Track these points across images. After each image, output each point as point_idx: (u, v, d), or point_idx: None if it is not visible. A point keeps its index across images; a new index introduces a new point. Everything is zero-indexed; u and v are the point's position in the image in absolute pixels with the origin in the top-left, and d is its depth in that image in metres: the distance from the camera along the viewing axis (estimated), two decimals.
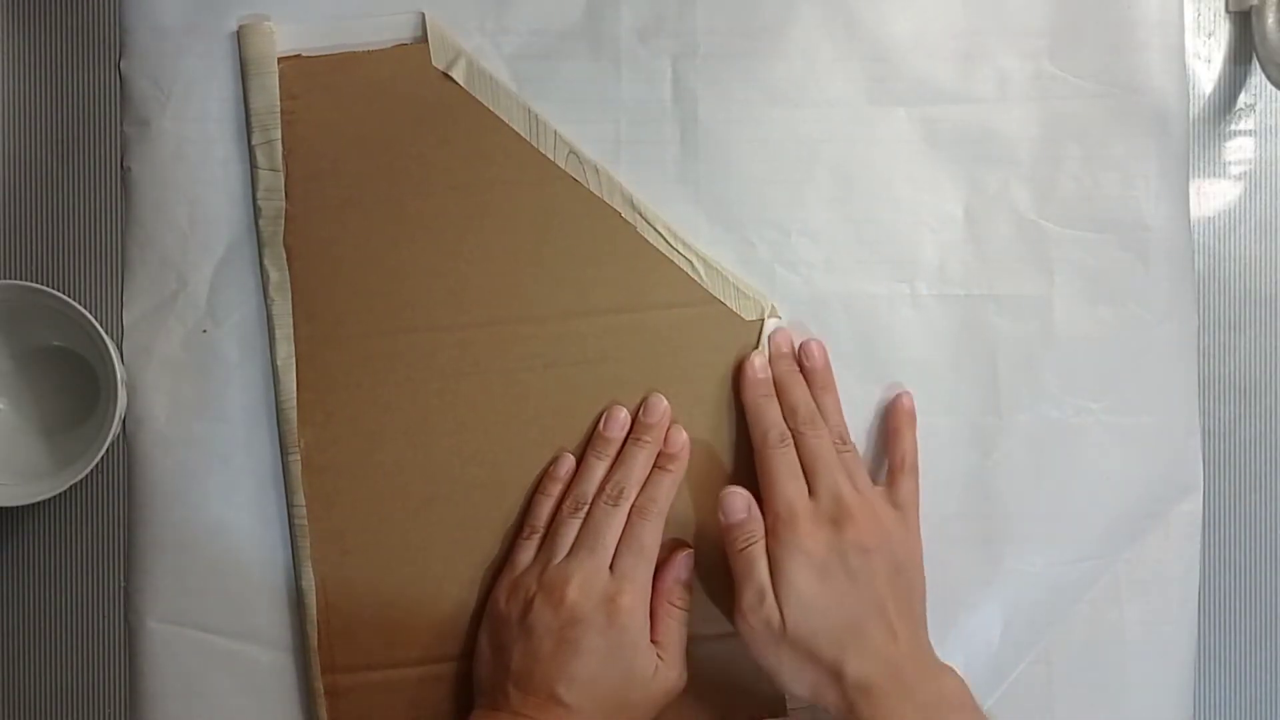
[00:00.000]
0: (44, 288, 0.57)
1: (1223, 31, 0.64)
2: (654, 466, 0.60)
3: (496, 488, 0.60)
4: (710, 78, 0.61)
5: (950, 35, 0.61)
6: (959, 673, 0.55)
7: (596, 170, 0.60)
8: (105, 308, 0.61)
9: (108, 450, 0.58)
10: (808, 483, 0.57)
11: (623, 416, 0.60)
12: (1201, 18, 0.64)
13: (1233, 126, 0.64)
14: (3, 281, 0.59)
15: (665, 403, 0.60)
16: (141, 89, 0.60)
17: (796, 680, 0.55)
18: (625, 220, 0.60)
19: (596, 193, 0.60)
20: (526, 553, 0.59)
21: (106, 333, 0.58)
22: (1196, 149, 0.63)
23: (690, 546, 0.60)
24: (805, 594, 0.54)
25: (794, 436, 0.58)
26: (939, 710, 0.53)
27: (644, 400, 0.60)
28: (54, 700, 0.62)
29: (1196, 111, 0.63)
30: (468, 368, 0.60)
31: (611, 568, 0.57)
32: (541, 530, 0.59)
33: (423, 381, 0.60)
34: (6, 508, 0.58)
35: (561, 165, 0.60)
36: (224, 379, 0.61)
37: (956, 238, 0.62)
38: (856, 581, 0.55)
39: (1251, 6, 0.62)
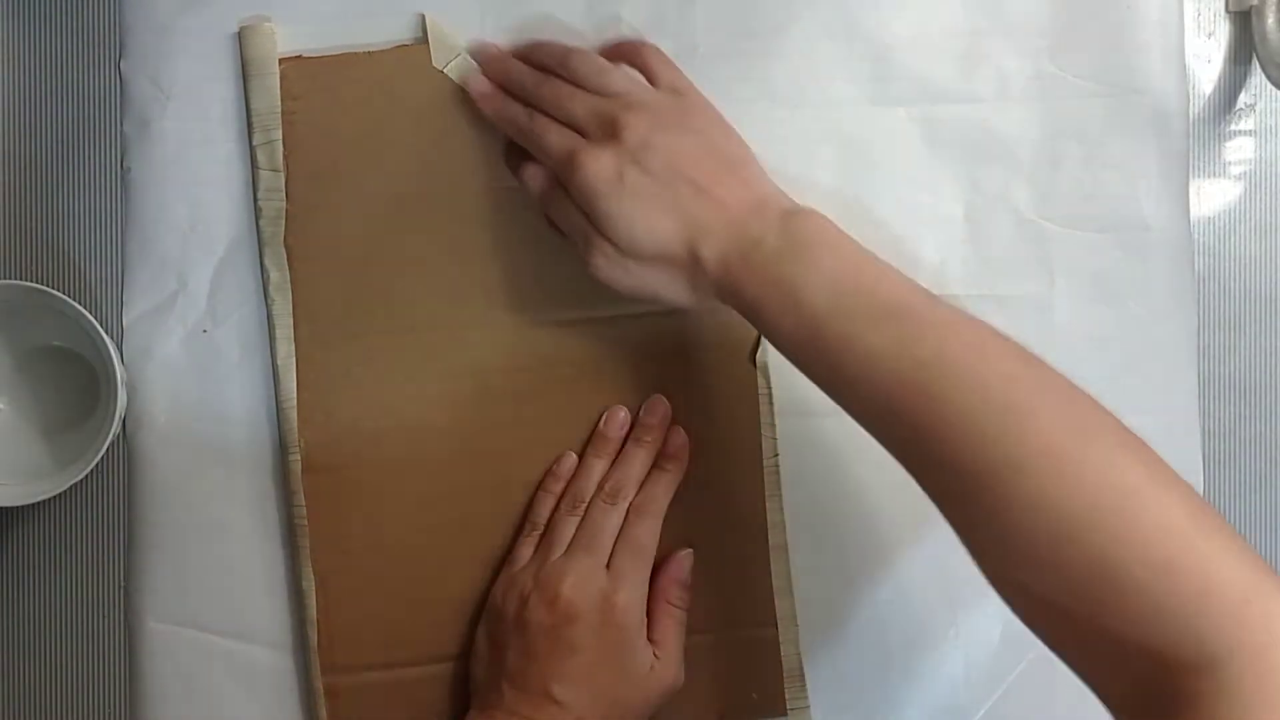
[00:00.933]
0: (44, 288, 0.57)
1: (1223, 31, 0.64)
2: (653, 466, 0.60)
3: (497, 488, 0.60)
4: (710, 77, 0.61)
5: (950, 35, 0.61)
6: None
7: None
8: (105, 308, 0.61)
9: (108, 450, 0.58)
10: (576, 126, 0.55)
11: (623, 416, 0.60)
12: (1201, 18, 0.64)
13: (1233, 126, 0.64)
14: (3, 281, 0.59)
15: (666, 404, 0.60)
16: (141, 89, 0.60)
17: (671, 289, 0.53)
18: None
19: None
20: (525, 550, 0.59)
21: (106, 332, 0.58)
22: (1196, 149, 0.63)
23: (689, 547, 0.60)
24: (617, 212, 0.52)
25: (545, 106, 0.56)
26: (788, 251, 0.50)
27: (645, 401, 0.60)
28: (54, 700, 0.62)
29: (1196, 111, 0.64)
30: (468, 368, 0.60)
31: (609, 567, 0.57)
32: (541, 528, 0.59)
33: (423, 382, 0.60)
34: (6, 508, 0.58)
35: None
36: (224, 379, 0.61)
37: (956, 237, 0.62)
38: (658, 173, 0.52)
39: (1251, 6, 0.62)
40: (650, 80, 0.57)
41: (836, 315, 0.48)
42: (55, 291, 0.57)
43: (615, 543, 0.58)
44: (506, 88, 0.58)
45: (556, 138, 0.54)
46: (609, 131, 0.53)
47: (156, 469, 0.60)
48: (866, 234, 0.61)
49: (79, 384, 0.61)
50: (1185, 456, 0.62)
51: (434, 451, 0.60)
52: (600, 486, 0.59)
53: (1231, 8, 0.63)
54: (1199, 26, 0.64)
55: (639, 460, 0.59)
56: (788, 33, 0.61)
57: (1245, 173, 0.64)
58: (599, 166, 0.52)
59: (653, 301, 0.54)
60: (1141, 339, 0.62)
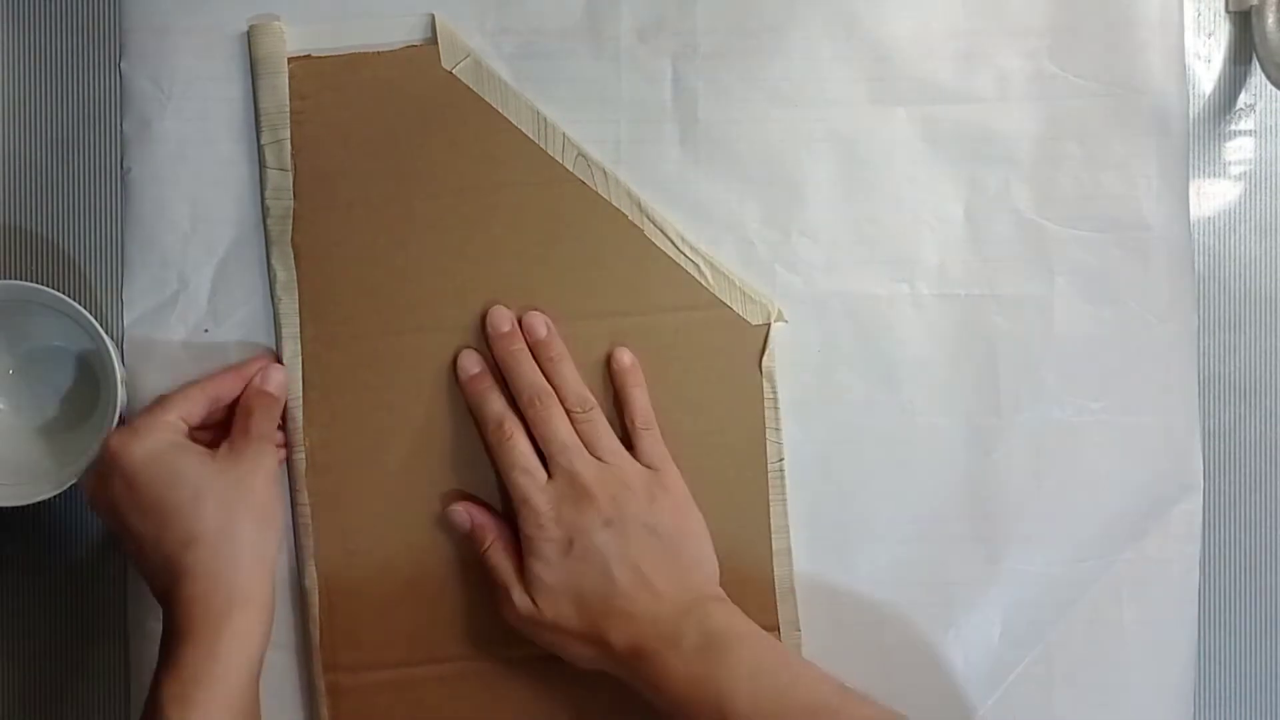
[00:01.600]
0: (43, 287, 0.57)
1: (1223, 31, 0.64)
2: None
3: (501, 488, 0.60)
4: (710, 77, 0.61)
5: (950, 35, 0.61)
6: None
7: (605, 172, 0.60)
8: (106, 307, 0.61)
9: None
10: (546, 465, 0.57)
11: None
12: (1201, 18, 0.64)
13: (1233, 126, 0.64)
14: (2, 281, 0.58)
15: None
16: (142, 89, 0.60)
17: (576, 656, 0.56)
18: (632, 223, 0.60)
19: (604, 195, 0.60)
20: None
21: (107, 332, 0.58)
22: (1196, 149, 0.63)
23: None
24: (549, 580, 0.55)
25: (526, 418, 0.58)
26: (708, 652, 0.53)
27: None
28: (53, 699, 0.62)
29: (1196, 111, 0.64)
30: None
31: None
32: None
33: (429, 382, 0.60)
34: (6, 508, 0.58)
35: (569, 167, 0.60)
36: None
37: (956, 237, 0.62)
38: (602, 556, 0.55)
39: (1251, 6, 0.62)
40: (629, 429, 0.59)
41: (756, 716, 0.51)
42: (54, 291, 0.57)
43: None
44: (503, 366, 0.59)
45: (521, 476, 0.57)
46: (572, 495, 0.56)
47: None
48: (866, 234, 0.61)
49: (78, 384, 0.61)
50: (1185, 456, 0.62)
51: (439, 451, 0.60)
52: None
53: (1231, 8, 0.63)
54: (1199, 26, 0.64)
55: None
56: (788, 32, 0.61)
57: (1245, 173, 0.64)
58: (552, 530, 0.56)
59: (557, 654, 0.57)
60: (1141, 339, 0.62)
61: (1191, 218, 0.62)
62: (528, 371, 0.59)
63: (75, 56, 0.61)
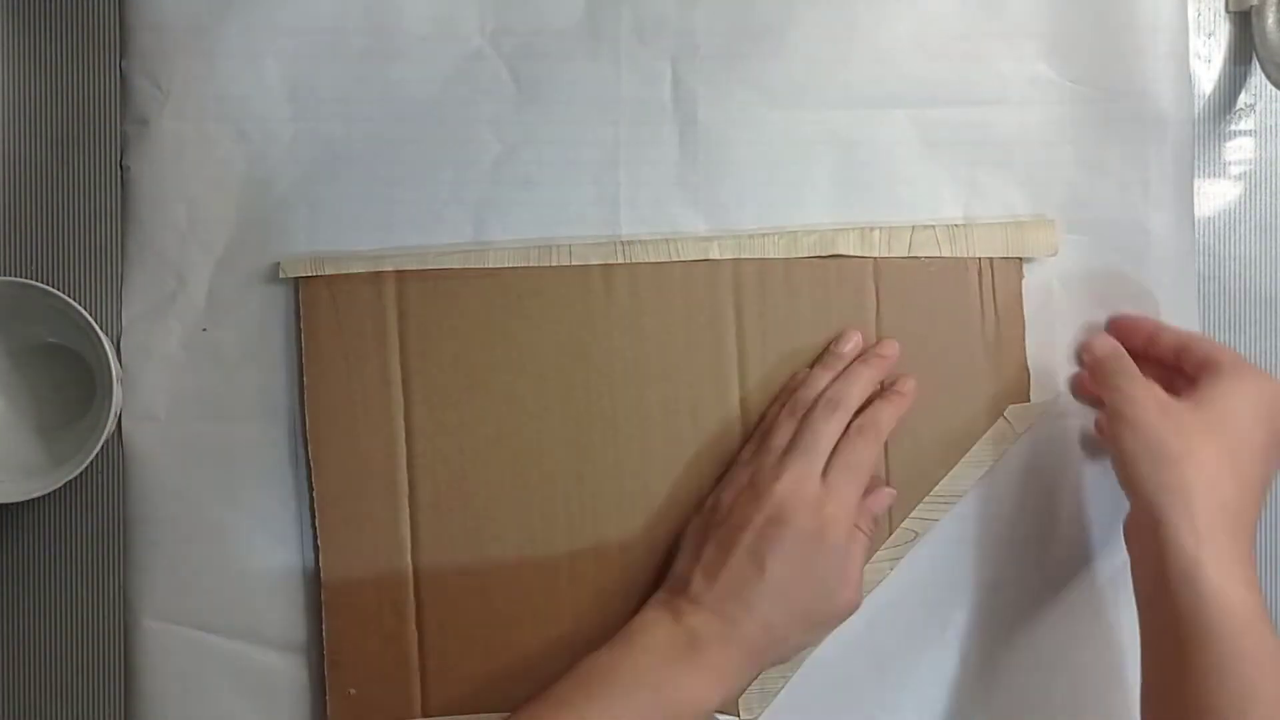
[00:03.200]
0: (39, 284, 0.57)
1: (1223, 31, 0.64)
2: (880, 393, 0.59)
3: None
4: (710, 79, 0.61)
5: (950, 38, 0.61)
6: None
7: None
8: (104, 306, 0.61)
9: (103, 448, 0.58)
10: None
11: (856, 338, 0.60)
12: (1201, 18, 0.64)
13: (1233, 126, 0.64)
14: (0, 279, 0.59)
15: (898, 346, 0.60)
16: (140, 88, 0.60)
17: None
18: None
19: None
20: (746, 453, 0.59)
21: (104, 330, 0.58)
22: (1196, 149, 0.63)
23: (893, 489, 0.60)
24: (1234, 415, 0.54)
25: None
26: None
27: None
28: (51, 698, 0.62)
29: (1196, 112, 0.63)
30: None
31: (823, 478, 0.56)
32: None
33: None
34: (2, 505, 0.58)
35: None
36: (223, 378, 0.61)
37: None
38: (1266, 450, 0.54)
39: (1251, 6, 0.62)
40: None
41: None
42: (51, 289, 0.57)
43: (831, 456, 0.57)
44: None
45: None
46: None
47: (154, 467, 0.60)
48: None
49: (75, 381, 0.61)
50: None
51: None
52: (822, 394, 0.58)
53: (1231, 8, 0.63)
54: (1199, 26, 0.64)
55: (863, 378, 0.58)
56: (787, 34, 0.61)
57: (1245, 173, 0.64)
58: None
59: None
60: None
61: (1193, 218, 0.62)
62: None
63: (75, 56, 0.62)
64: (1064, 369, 0.61)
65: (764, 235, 0.61)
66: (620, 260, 0.60)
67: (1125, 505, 0.61)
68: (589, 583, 0.60)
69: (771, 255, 0.60)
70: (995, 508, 0.61)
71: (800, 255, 0.60)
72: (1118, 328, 0.60)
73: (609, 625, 0.57)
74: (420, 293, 0.60)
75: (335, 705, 0.60)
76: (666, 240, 0.60)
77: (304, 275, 0.60)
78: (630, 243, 0.60)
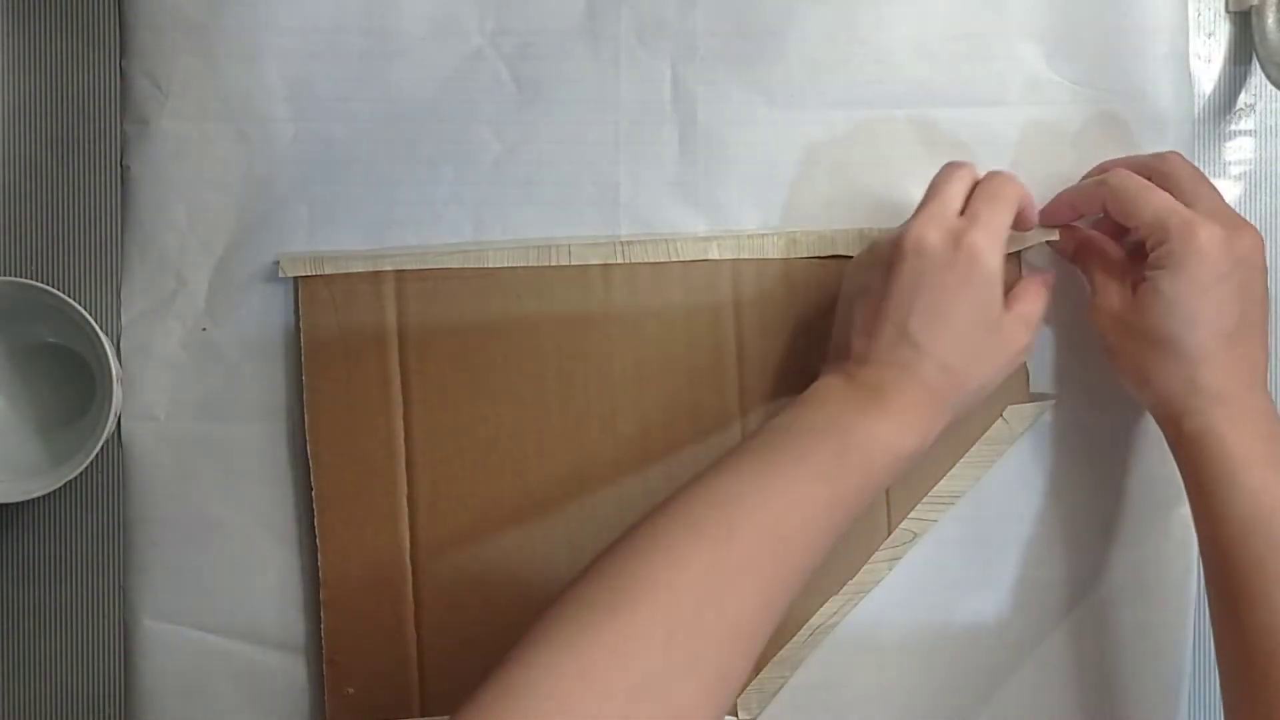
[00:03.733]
0: (38, 284, 0.57)
1: (1223, 31, 0.64)
2: None
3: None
4: (710, 79, 0.61)
5: (950, 38, 0.61)
6: None
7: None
8: (104, 306, 0.61)
9: (103, 448, 0.58)
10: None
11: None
12: (1201, 18, 0.64)
13: (1233, 126, 0.64)
14: (0, 279, 0.59)
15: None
16: (140, 87, 0.60)
17: (1140, 373, 0.54)
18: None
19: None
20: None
21: (104, 330, 0.58)
22: (1197, 149, 0.63)
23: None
24: (1186, 294, 0.52)
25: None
26: (1276, 441, 0.52)
27: None
28: (50, 698, 0.62)
29: (1196, 112, 0.63)
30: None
31: (961, 213, 0.54)
32: None
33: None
34: (2, 505, 0.58)
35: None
36: (223, 378, 0.61)
37: None
38: (1239, 295, 0.53)
39: (1251, 6, 0.62)
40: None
41: None
42: (50, 288, 0.57)
43: (972, 193, 0.55)
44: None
45: (1163, 196, 0.54)
46: (1228, 220, 0.53)
47: (154, 467, 0.60)
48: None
49: (75, 381, 0.61)
50: None
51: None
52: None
53: (1231, 8, 0.63)
54: (1199, 26, 0.63)
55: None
56: (787, 35, 0.61)
57: (1245, 173, 0.64)
58: (1212, 247, 0.52)
59: (1114, 363, 0.56)
60: None
61: None
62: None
63: (75, 56, 0.62)
64: (1064, 368, 0.61)
65: (763, 235, 0.61)
66: (619, 260, 0.60)
67: (1125, 505, 0.62)
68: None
69: (771, 255, 0.60)
70: (995, 508, 0.61)
71: (799, 256, 0.60)
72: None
73: None
74: (419, 292, 0.60)
75: (334, 704, 0.60)
76: (665, 240, 0.60)
77: (303, 274, 0.60)
78: (629, 243, 0.60)
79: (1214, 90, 0.64)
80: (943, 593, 0.61)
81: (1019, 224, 0.56)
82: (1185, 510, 0.61)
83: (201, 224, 0.60)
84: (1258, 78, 0.64)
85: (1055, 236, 0.59)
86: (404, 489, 0.60)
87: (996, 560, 0.61)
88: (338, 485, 0.60)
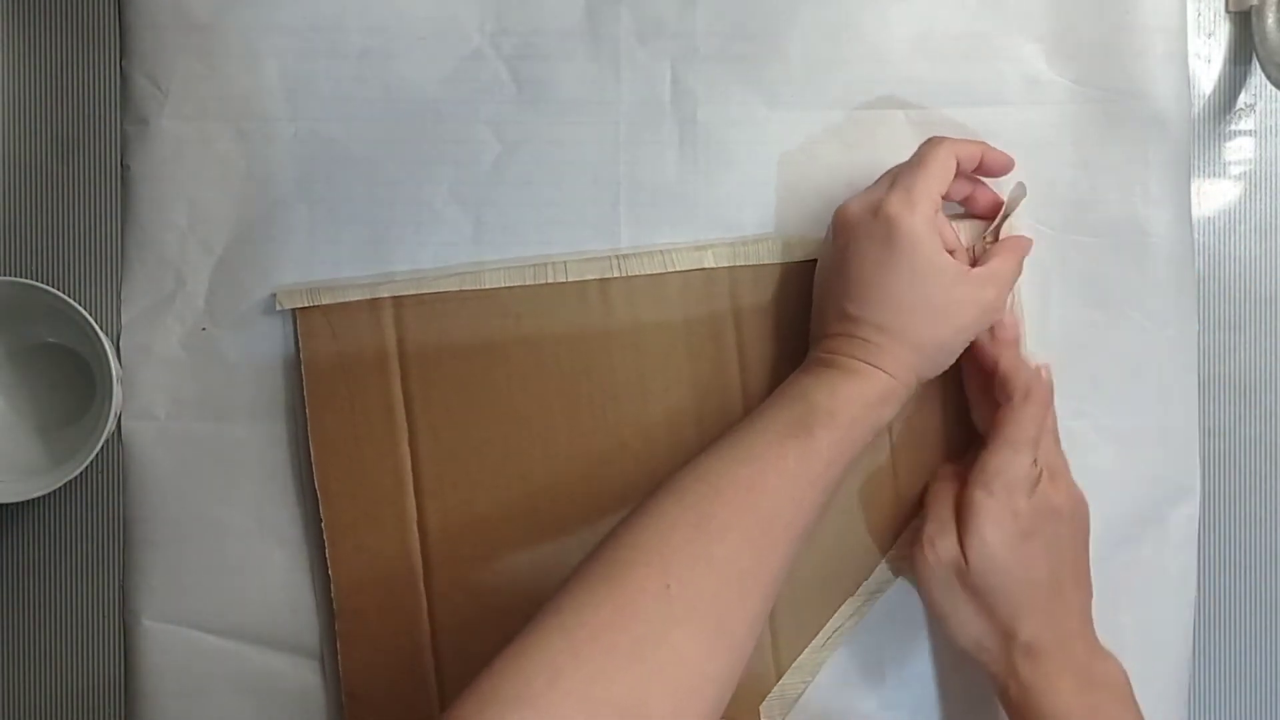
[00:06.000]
0: (39, 284, 0.57)
1: (1223, 31, 0.64)
2: None
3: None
4: (709, 80, 0.61)
5: (949, 38, 0.61)
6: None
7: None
8: (103, 305, 0.61)
9: (103, 448, 0.58)
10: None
11: None
12: (1201, 18, 0.64)
13: (1233, 126, 0.64)
14: (0, 278, 0.59)
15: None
16: (140, 88, 0.60)
17: (963, 626, 0.56)
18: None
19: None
20: None
21: (104, 330, 0.58)
22: (1196, 149, 0.63)
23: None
24: (996, 548, 0.54)
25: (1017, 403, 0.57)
26: (1095, 691, 0.54)
27: None
28: (50, 697, 0.62)
29: (1196, 111, 0.63)
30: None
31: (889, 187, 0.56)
32: None
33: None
34: (2, 505, 0.58)
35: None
36: (223, 377, 0.61)
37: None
38: (1048, 548, 0.55)
39: (1251, 6, 0.62)
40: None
41: None
42: (50, 288, 0.57)
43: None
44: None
45: (1027, 450, 0.55)
46: (1054, 485, 0.56)
47: (154, 467, 0.60)
48: None
49: (75, 381, 0.61)
50: (1183, 461, 0.62)
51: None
52: None
53: (1231, 8, 0.63)
54: (1199, 26, 0.63)
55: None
56: (787, 35, 0.61)
57: (1245, 173, 0.64)
58: (1021, 504, 0.55)
59: (938, 617, 0.57)
60: (1139, 344, 0.61)
61: (1192, 218, 0.62)
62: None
63: (75, 56, 0.62)
64: (1064, 369, 0.61)
65: (758, 241, 0.60)
66: (616, 274, 0.60)
67: (1125, 505, 0.62)
68: None
69: (767, 261, 0.60)
70: None
71: (795, 260, 0.60)
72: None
73: None
74: (417, 317, 0.60)
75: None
76: (661, 251, 0.60)
77: (300, 306, 0.60)
78: (626, 256, 0.60)
79: (1214, 90, 0.64)
80: None
81: (981, 171, 0.58)
82: (1185, 510, 0.61)
83: (201, 224, 0.61)
84: (1258, 78, 0.64)
85: (1014, 205, 0.58)
86: (414, 516, 0.60)
87: None
88: (348, 516, 0.60)
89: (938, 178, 0.55)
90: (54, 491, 0.57)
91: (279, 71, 0.61)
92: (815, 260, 0.59)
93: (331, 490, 0.59)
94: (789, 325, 0.60)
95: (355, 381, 0.59)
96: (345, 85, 0.61)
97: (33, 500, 0.58)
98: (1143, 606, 0.61)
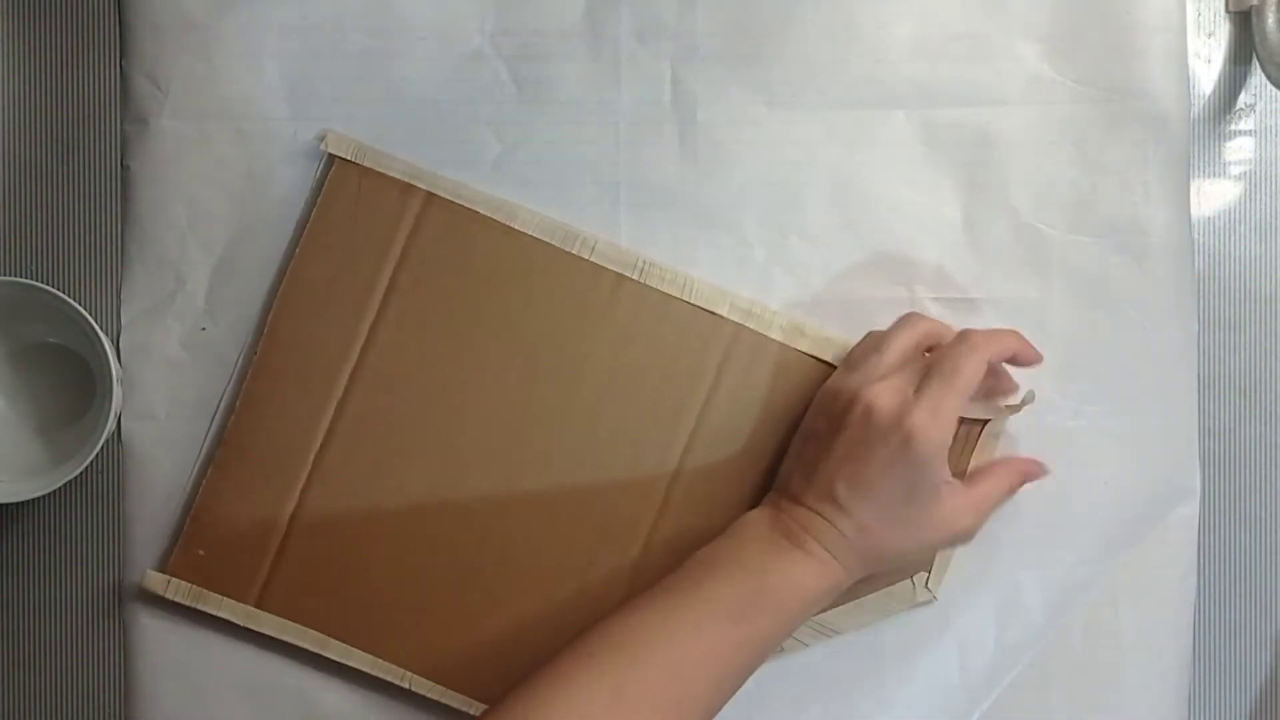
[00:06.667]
0: (39, 284, 0.57)
1: (1223, 31, 0.64)
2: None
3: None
4: (709, 80, 0.61)
5: (949, 38, 0.61)
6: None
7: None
8: (103, 305, 0.61)
9: (103, 448, 0.58)
10: None
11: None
12: (1201, 18, 0.64)
13: (1233, 126, 0.64)
14: (0, 278, 0.59)
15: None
16: (140, 88, 0.60)
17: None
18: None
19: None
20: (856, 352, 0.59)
21: (104, 330, 0.58)
22: (1196, 149, 0.63)
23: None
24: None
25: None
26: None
27: None
28: (50, 696, 0.62)
29: (1196, 111, 0.63)
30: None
31: (918, 390, 0.55)
32: None
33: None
34: (2, 505, 0.58)
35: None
36: (222, 377, 0.61)
37: (954, 241, 0.61)
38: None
39: (1251, 6, 0.62)
40: None
41: None
42: (50, 288, 0.57)
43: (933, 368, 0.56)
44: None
45: None
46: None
47: (154, 466, 0.60)
48: (864, 237, 0.61)
49: (75, 381, 0.61)
50: (1183, 462, 0.61)
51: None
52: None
53: (1231, 8, 0.63)
54: (1199, 26, 0.63)
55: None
56: (787, 35, 0.61)
57: (1245, 173, 0.64)
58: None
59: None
60: (1139, 344, 0.61)
61: (1192, 218, 0.62)
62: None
63: (75, 56, 0.62)
64: (1063, 370, 0.61)
65: (773, 313, 0.60)
66: (634, 277, 0.60)
67: (1125, 505, 0.61)
68: (495, 538, 0.60)
69: (773, 336, 0.60)
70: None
71: (798, 348, 0.60)
72: None
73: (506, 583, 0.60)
74: (440, 221, 0.60)
75: (179, 559, 0.60)
76: (685, 277, 0.60)
77: (341, 156, 0.60)
78: (651, 265, 0.60)
79: (1214, 90, 0.64)
80: (941, 594, 0.61)
81: (1015, 362, 0.57)
82: (1185, 510, 0.61)
83: (202, 224, 0.61)
84: (1258, 78, 0.64)
85: (1014, 411, 0.59)
86: (338, 393, 0.60)
87: (994, 561, 0.61)
88: (282, 358, 0.60)
89: (965, 395, 0.55)
90: (54, 491, 0.57)
91: (279, 71, 0.61)
92: (814, 357, 0.60)
93: (279, 330, 0.60)
94: (758, 406, 0.60)
95: (353, 248, 0.60)
96: (345, 85, 0.61)
97: (33, 500, 0.58)
98: (1143, 606, 0.61)
